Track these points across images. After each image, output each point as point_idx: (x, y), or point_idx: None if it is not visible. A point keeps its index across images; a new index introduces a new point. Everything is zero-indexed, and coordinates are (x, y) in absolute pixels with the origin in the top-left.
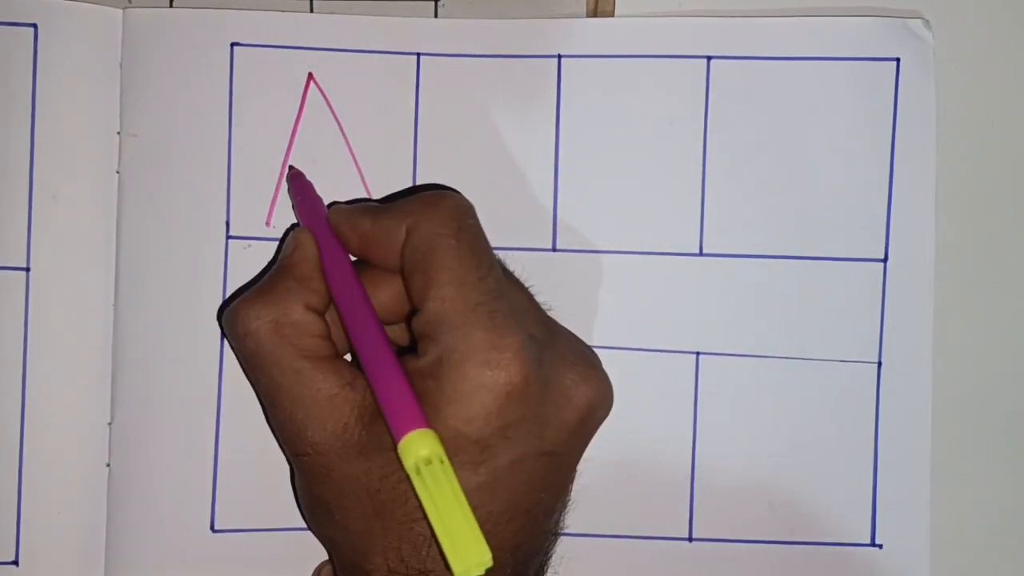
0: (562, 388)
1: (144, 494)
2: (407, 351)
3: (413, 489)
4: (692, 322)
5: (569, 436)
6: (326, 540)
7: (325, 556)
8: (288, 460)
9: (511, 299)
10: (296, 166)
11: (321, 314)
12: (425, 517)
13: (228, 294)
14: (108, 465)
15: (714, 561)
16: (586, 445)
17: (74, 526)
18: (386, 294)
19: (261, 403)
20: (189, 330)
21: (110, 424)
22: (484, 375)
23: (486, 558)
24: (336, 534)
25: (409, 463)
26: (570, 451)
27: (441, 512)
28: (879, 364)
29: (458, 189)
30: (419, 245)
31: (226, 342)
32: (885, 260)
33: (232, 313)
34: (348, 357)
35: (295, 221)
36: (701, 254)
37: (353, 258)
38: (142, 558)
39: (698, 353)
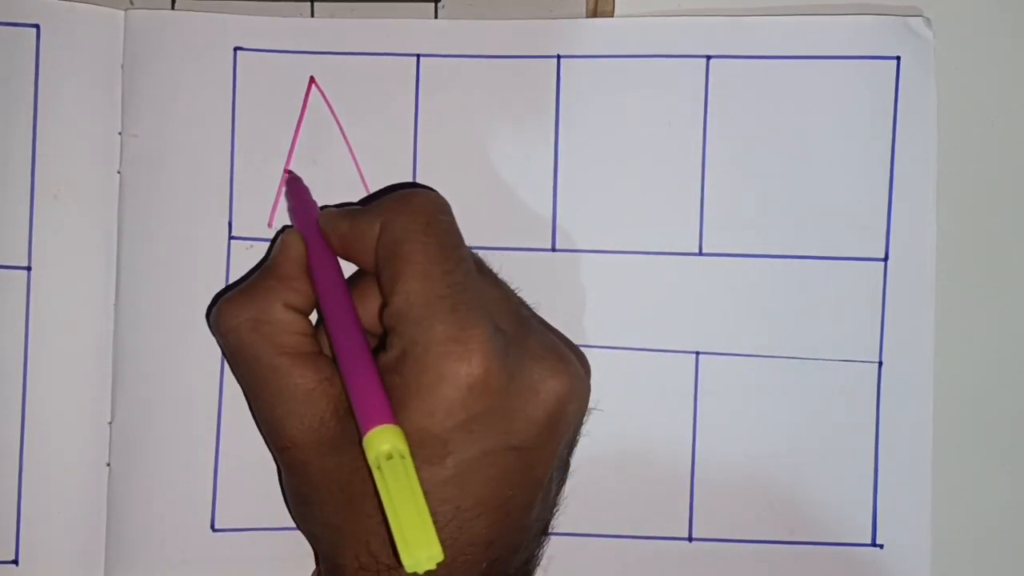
0: (529, 382)
1: (144, 494)
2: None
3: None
4: (692, 322)
5: (538, 431)
6: (308, 534)
7: None
8: (273, 456)
9: (480, 293)
10: (297, 168)
11: (303, 313)
12: (382, 511)
13: None
14: (108, 465)
15: (714, 561)
16: (560, 440)
17: (74, 526)
18: (376, 302)
19: (247, 400)
20: (190, 330)
21: (110, 424)
22: (444, 367)
23: (435, 551)
24: (314, 528)
25: (371, 458)
26: (540, 446)
27: (396, 506)
28: (880, 364)
29: (458, 189)
30: (389, 241)
31: None
32: (886, 259)
33: (216, 312)
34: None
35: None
36: (701, 254)
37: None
38: (142, 558)
39: (698, 353)
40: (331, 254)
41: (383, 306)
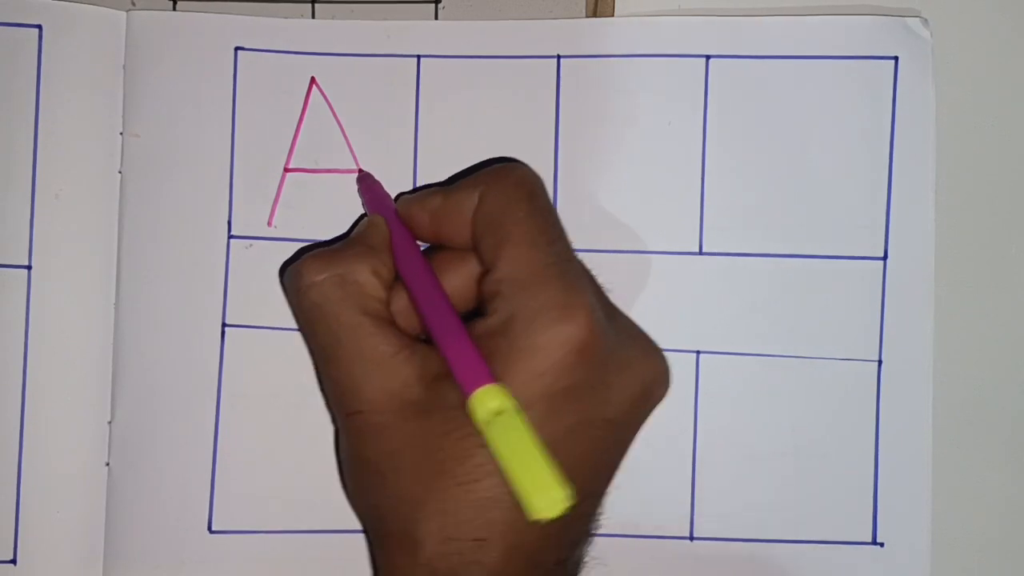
0: (625, 358)
1: (143, 494)
2: (469, 319)
3: (479, 444)
4: (692, 321)
5: (631, 405)
6: (370, 509)
7: (322, 559)
8: (335, 424)
9: (579, 266)
10: (299, 166)
11: (386, 284)
12: (496, 468)
13: (229, 294)
14: (108, 465)
15: (715, 560)
16: (643, 421)
17: (73, 525)
18: (457, 279)
19: (314, 362)
20: (190, 330)
21: (110, 424)
22: (556, 330)
23: (564, 493)
24: (383, 500)
25: (480, 416)
26: (629, 422)
27: (513, 459)
28: (879, 362)
29: None
30: (491, 210)
31: (227, 342)
32: (885, 258)
33: (298, 265)
34: None
35: (303, 222)
36: (701, 253)
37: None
38: (140, 557)
39: (698, 352)
40: (410, 236)
41: (483, 273)
